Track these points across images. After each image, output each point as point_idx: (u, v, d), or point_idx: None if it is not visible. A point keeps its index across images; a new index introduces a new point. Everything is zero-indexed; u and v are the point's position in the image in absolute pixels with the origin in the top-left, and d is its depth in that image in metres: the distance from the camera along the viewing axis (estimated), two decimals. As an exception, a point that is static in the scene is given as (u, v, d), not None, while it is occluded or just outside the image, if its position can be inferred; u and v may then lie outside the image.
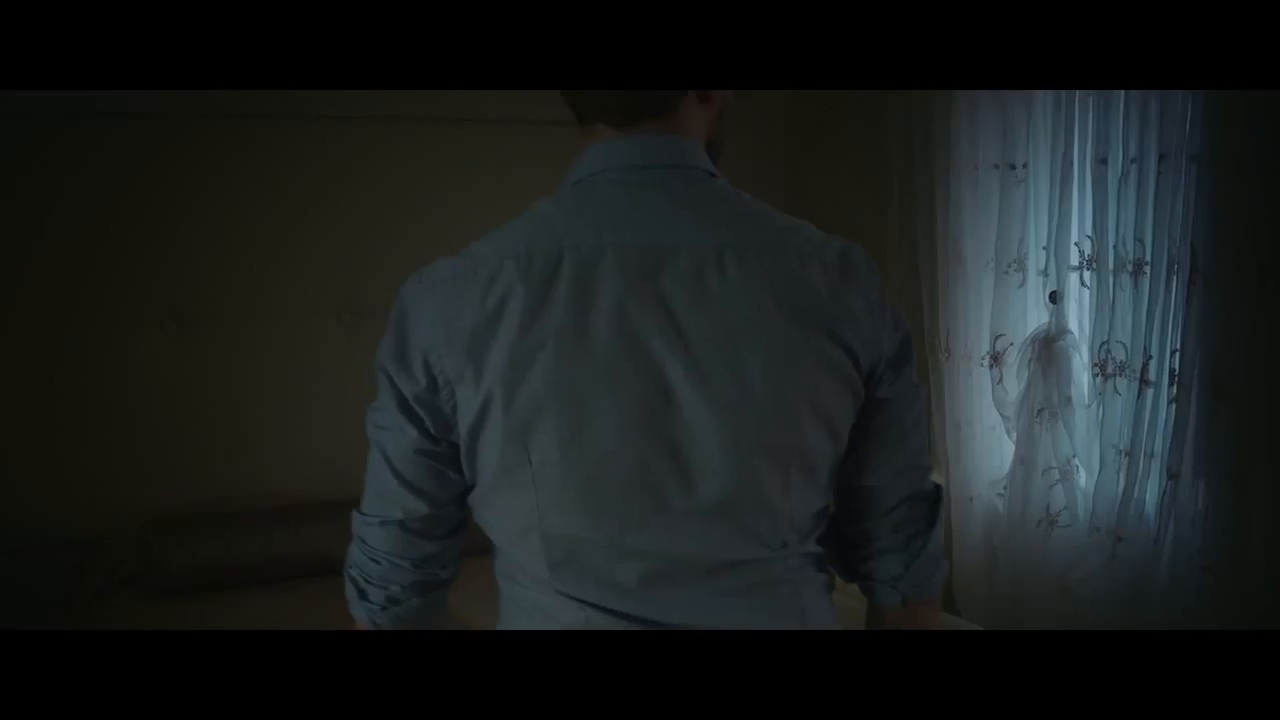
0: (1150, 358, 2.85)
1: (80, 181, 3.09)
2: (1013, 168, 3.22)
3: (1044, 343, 3.14)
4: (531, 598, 1.21)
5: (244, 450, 3.30)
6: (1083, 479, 3.14)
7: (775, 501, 1.17)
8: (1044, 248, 3.17)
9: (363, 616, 1.27)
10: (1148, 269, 2.86)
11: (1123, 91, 2.87)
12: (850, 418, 1.20)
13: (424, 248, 3.34)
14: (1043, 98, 3.12)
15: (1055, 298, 3.11)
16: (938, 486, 1.31)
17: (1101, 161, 2.94)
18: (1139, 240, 2.88)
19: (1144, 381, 2.87)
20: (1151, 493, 2.90)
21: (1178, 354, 2.79)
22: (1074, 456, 3.13)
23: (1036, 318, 3.20)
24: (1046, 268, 3.16)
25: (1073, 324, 3.13)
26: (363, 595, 1.27)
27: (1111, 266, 2.95)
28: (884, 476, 1.26)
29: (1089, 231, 3.02)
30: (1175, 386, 2.80)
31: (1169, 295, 2.81)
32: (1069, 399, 3.10)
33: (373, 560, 1.26)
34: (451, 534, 1.26)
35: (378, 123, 3.39)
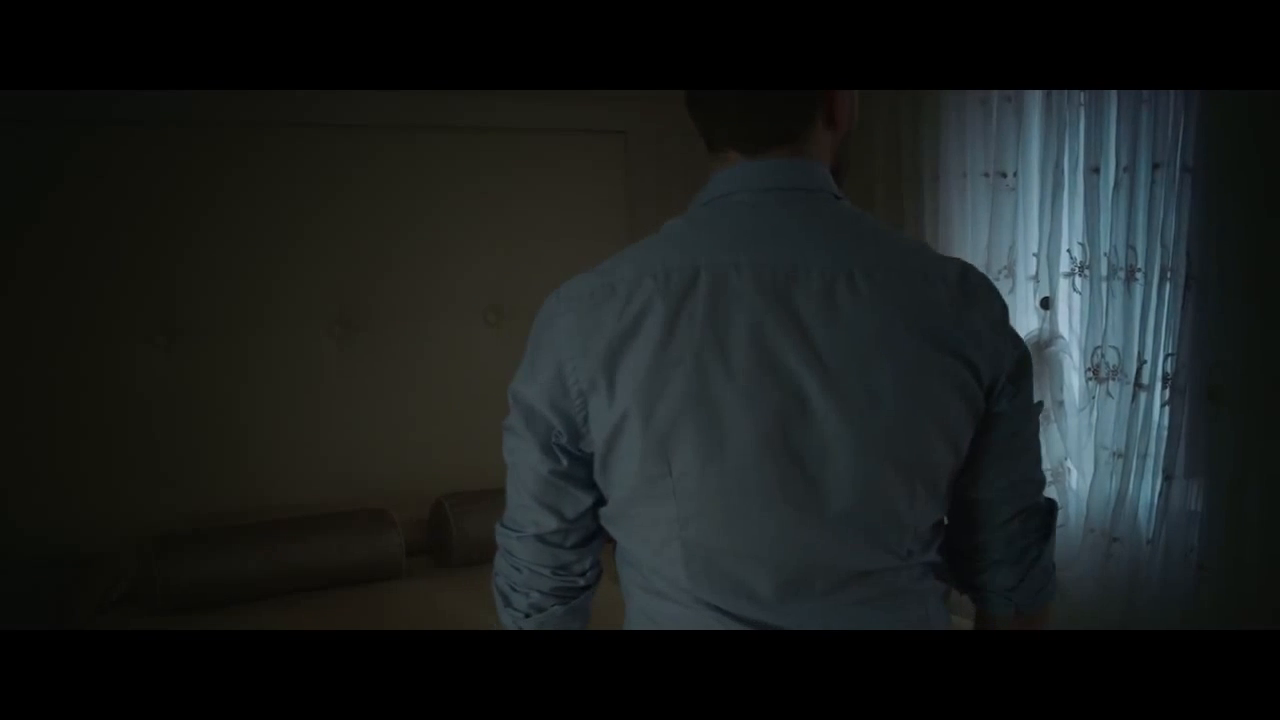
0: (1144, 362, 2.91)
1: (69, 192, 3.05)
2: (1003, 175, 3.27)
3: (1036, 348, 3.19)
4: (669, 608, 1.25)
5: (241, 464, 3.27)
6: (1075, 480, 3.19)
7: (901, 512, 1.21)
8: (1035, 254, 3.22)
9: (508, 623, 1.35)
10: (1140, 275, 2.93)
11: (1115, 100, 2.93)
12: (970, 432, 1.24)
13: (414, 260, 3.44)
14: (1033, 106, 3.18)
15: (1047, 303, 3.17)
16: (1051, 501, 1.36)
17: (1094, 170, 3.00)
18: (1131, 247, 2.94)
19: (1137, 385, 2.93)
20: (1145, 494, 2.96)
21: (1171, 358, 2.85)
22: (1066, 458, 3.18)
23: (1028, 323, 3.25)
24: (1038, 274, 3.21)
25: (1064, 329, 3.18)
26: (508, 603, 1.35)
27: (1104, 273, 3.01)
28: (1000, 490, 1.31)
29: (1080, 238, 3.07)
30: (1169, 390, 2.86)
31: (1161, 301, 2.87)
32: (1061, 403, 3.16)
33: (515, 569, 1.33)
34: (585, 544, 1.32)
35: (368, 133, 3.38)
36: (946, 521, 1.33)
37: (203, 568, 2.94)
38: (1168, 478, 2.87)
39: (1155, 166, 2.84)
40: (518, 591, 1.33)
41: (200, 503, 3.22)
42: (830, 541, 1.19)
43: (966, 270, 1.24)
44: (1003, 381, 1.24)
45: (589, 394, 1.19)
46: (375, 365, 3.44)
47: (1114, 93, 2.91)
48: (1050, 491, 3.15)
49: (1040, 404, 1.34)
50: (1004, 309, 1.25)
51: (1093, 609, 3.05)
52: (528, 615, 1.32)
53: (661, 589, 1.25)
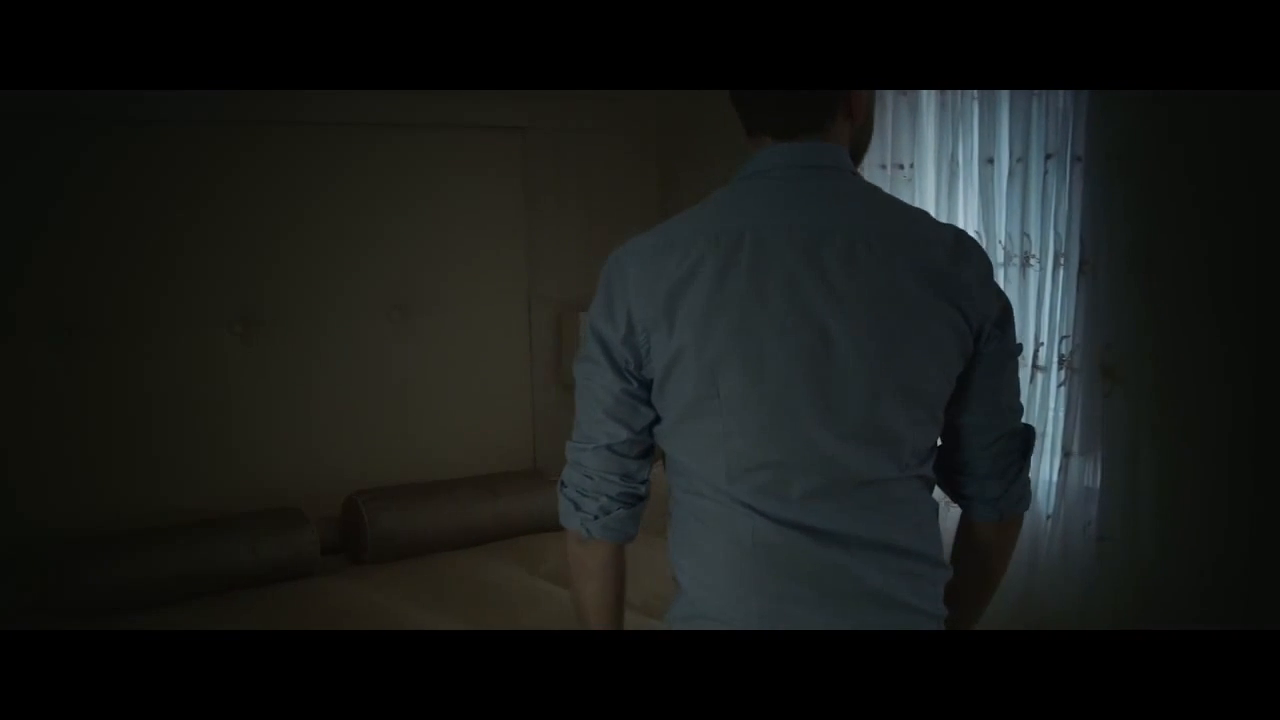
0: (1041, 345, 3.04)
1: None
2: (900, 167, 3.38)
3: (935, 333, 3.29)
4: (710, 507, 1.48)
5: (148, 465, 3.19)
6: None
7: (902, 431, 1.44)
8: (932, 244, 3.33)
9: (577, 526, 1.57)
10: (1035, 261, 3.06)
11: (1007, 94, 3.05)
12: (960, 367, 1.48)
13: (316, 257, 3.40)
14: (927, 101, 3.29)
15: (945, 291, 3.27)
16: (1029, 426, 1.60)
17: (988, 160, 3.12)
18: (1025, 234, 3.07)
19: (1035, 367, 3.06)
20: (1045, 472, 3.09)
21: (1066, 340, 2.99)
22: (967, 440, 3.30)
23: (926, 310, 3.36)
24: (936, 262, 3.32)
25: (962, 315, 3.29)
26: (578, 508, 1.56)
27: (1000, 260, 3.13)
28: (984, 416, 1.53)
29: (976, 227, 3.19)
30: (1065, 371, 3.00)
31: (1056, 285, 3.01)
32: (962, 386, 3.27)
33: (586, 477, 1.55)
34: (645, 455, 1.56)
35: (269, 130, 3.33)
36: (940, 443, 1.55)
37: (114, 571, 2.86)
38: (1066, 454, 3.00)
39: (1047, 157, 2.98)
40: (588, 497, 1.55)
41: (108, 505, 3.12)
42: (846, 453, 1.43)
43: (960, 234, 1.49)
44: (989, 327, 1.47)
45: (652, 331, 1.45)
46: (280, 363, 3.39)
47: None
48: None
49: (1020, 346, 1.56)
50: (989, 267, 1.49)
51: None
52: (596, 517, 1.55)
53: (705, 491, 1.48)
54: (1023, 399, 2.96)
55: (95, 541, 2.93)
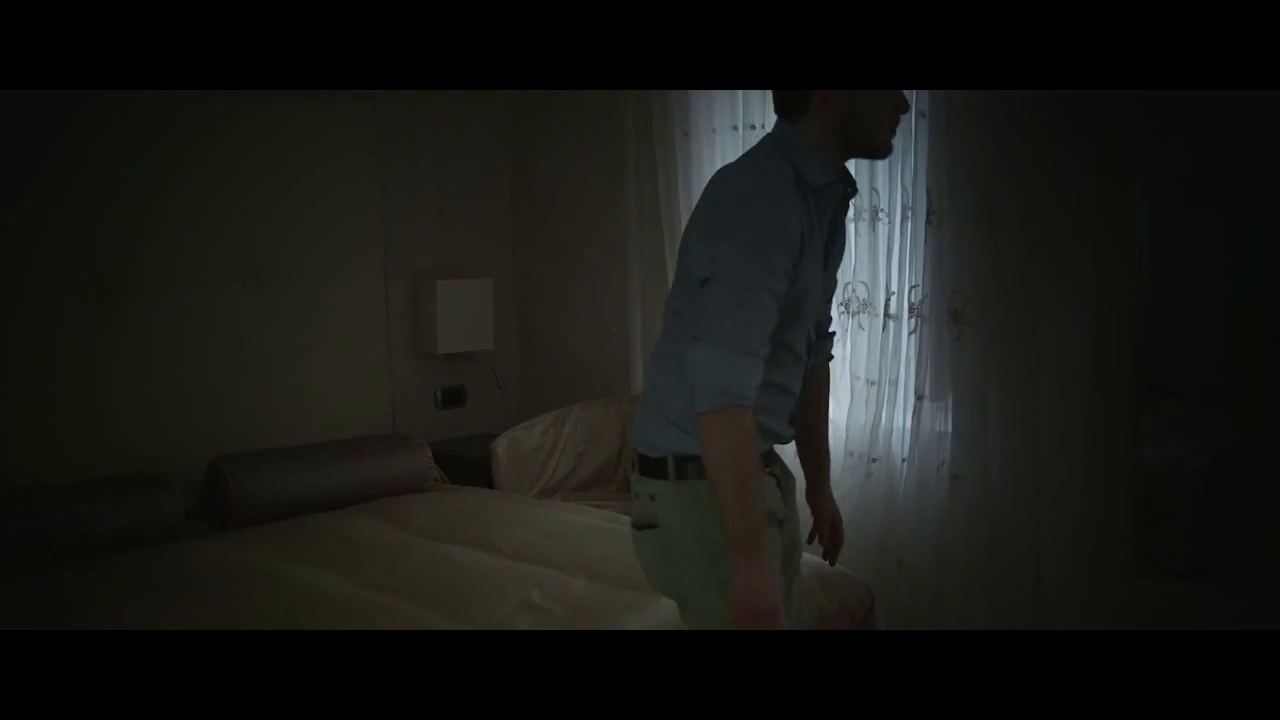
0: (892, 294, 3.17)
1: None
2: (751, 128, 3.46)
3: (790, 288, 3.40)
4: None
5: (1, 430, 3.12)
6: (834, 410, 3.41)
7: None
8: (784, 201, 3.43)
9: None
10: (884, 215, 3.19)
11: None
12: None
13: (170, 225, 3.33)
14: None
15: (799, 246, 3.38)
16: None
17: (838, 119, 3.22)
18: (874, 189, 3.19)
19: (886, 316, 3.19)
20: (899, 417, 3.23)
21: (916, 289, 3.13)
22: (824, 391, 3.41)
23: (780, 266, 3.46)
24: (788, 219, 3.42)
25: (815, 269, 3.41)
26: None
27: (850, 215, 3.24)
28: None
29: (828, 183, 3.30)
30: (916, 319, 3.14)
31: (905, 237, 3.15)
32: (817, 338, 3.38)
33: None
34: None
35: (121, 98, 3.21)
36: None
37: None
38: (919, 398, 3.14)
39: (894, 112, 3.09)
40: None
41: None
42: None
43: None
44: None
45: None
46: (135, 330, 3.33)
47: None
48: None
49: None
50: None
51: (856, 525, 3.29)
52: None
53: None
54: (875, 349, 3.14)
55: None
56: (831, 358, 2.17)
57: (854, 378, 3.32)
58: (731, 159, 3.39)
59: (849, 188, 1.97)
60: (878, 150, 1.95)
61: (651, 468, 1.89)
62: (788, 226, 1.79)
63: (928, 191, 3.05)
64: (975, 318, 3.00)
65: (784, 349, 1.87)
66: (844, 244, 2.06)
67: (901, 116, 1.91)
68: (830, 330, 2.13)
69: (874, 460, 3.26)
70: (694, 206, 1.91)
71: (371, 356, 3.97)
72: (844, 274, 3.26)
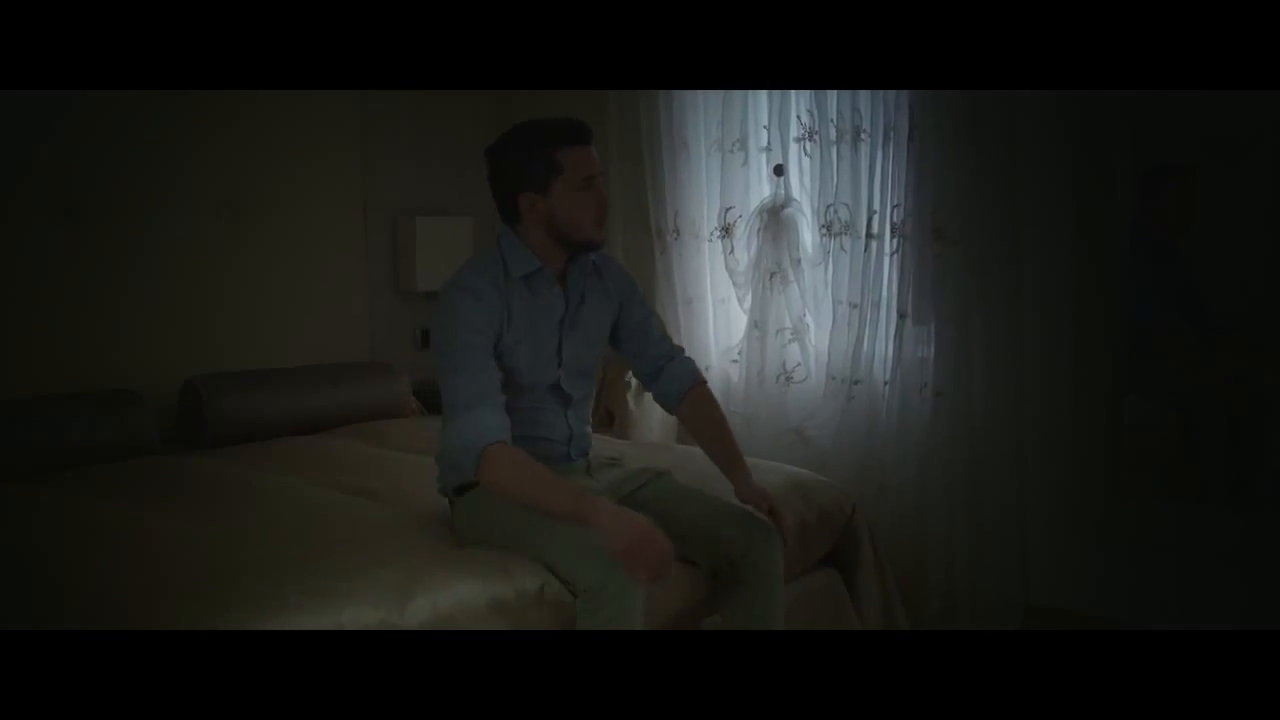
0: (874, 213, 3.15)
1: None
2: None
3: (771, 212, 3.39)
4: None
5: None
6: (814, 335, 3.41)
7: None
8: (765, 126, 3.42)
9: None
10: (865, 136, 3.16)
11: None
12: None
13: (143, 151, 3.28)
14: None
15: (780, 170, 3.36)
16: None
17: (819, 39, 3.20)
18: (856, 109, 3.17)
19: (869, 237, 3.17)
20: (880, 340, 3.21)
21: (898, 209, 3.11)
22: (805, 314, 3.40)
23: (761, 191, 3.45)
24: (769, 144, 3.41)
25: (796, 192, 3.39)
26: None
27: (832, 137, 3.23)
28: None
29: (809, 105, 3.28)
30: (898, 239, 3.12)
31: (886, 157, 3.12)
32: (799, 261, 3.37)
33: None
34: None
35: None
36: None
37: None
38: (901, 317, 3.12)
39: (876, 32, 3.07)
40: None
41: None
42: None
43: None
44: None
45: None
46: (109, 254, 3.29)
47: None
48: (793, 349, 3.42)
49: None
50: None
51: (838, 450, 3.29)
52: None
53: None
54: (858, 271, 3.13)
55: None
56: (701, 382, 2.47)
57: (835, 301, 3.29)
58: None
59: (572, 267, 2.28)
60: (587, 244, 2.22)
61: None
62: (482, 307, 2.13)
63: (910, 109, 3.03)
64: (957, 234, 2.99)
65: (528, 408, 2.23)
66: (607, 311, 2.37)
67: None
68: (679, 356, 2.46)
69: (856, 383, 3.25)
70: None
71: (350, 292, 3.94)
72: (825, 196, 3.26)
